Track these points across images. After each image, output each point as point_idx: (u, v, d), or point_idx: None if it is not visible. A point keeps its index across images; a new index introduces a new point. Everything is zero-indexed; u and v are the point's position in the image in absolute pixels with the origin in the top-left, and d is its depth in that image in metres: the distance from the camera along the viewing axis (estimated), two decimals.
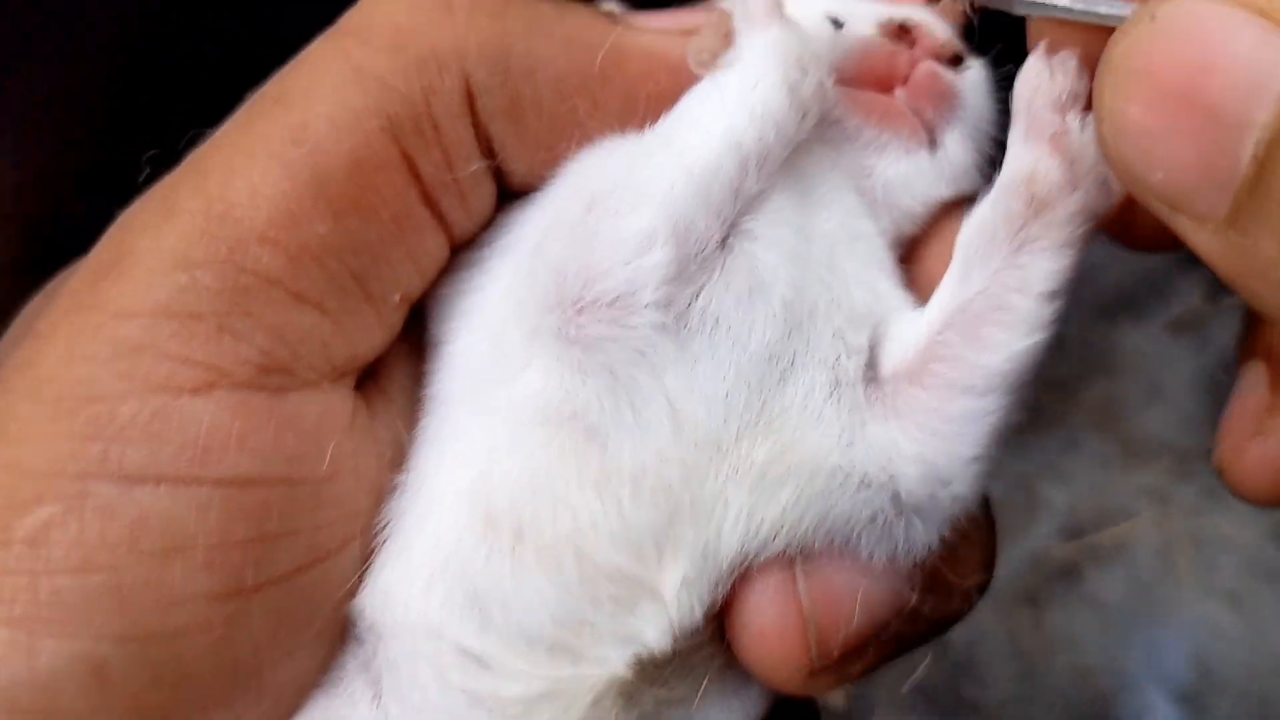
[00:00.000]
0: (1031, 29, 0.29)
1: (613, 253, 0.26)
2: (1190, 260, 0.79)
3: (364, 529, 0.28)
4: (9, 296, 0.35)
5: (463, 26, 0.27)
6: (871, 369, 0.29)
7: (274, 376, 0.26)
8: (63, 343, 0.25)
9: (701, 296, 0.27)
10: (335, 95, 0.26)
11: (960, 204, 0.31)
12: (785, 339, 0.28)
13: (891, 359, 0.29)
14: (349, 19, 0.28)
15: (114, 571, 0.24)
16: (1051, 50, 0.28)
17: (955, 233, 0.30)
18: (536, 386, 0.27)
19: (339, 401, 0.27)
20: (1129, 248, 0.31)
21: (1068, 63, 0.28)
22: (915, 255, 0.32)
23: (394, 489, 0.28)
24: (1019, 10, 0.28)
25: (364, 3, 0.28)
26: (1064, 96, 0.28)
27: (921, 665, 0.38)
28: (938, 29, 0.32)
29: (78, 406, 0.24)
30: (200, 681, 0.25)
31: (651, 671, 0.28)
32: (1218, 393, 0.72)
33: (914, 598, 0.29)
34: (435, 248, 0.29)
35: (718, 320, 0.27)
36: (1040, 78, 0.28)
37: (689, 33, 0.29)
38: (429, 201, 0.28)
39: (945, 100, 0.31)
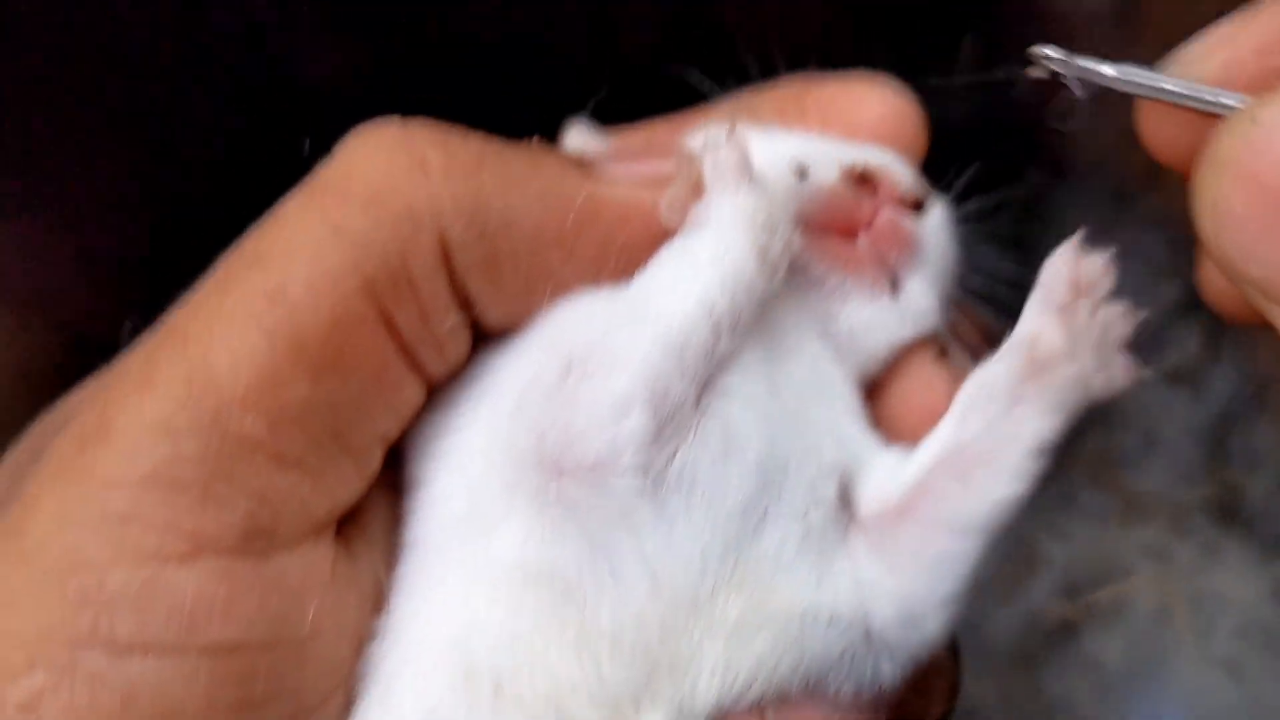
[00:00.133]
0: (1139, 120, 0.31)
1: (591, 419, 0.27)
2: (1187, 309, 0.79)
3: (347, 679, 0.28)
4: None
5: (438, 185, 0.28)
6: (846, 510, 0.30)
7: (257, 541, 0.26)
8: (51, 511, 0.26)
9: (678, 458, 0.28)
10: (312, 256, 0.27)
11: (924, 343, 0.32)
12: (759, 494, 0.28)
13: (874, 497, 0.31)
14: (325, 175, 0.28)
15: None
16: (1087, 239, 0.31)
17: (918, 371, 0.32)
18: (515, 544, 0.28)
19: (320, 557, 0.28)
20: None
21: (1098, 256, 0.31)
22: (880, 394, 0.33)
23: (375, 634, 0.29)
24: (1121, 88, 0.29)
25: (340, 159, 0.28)
26: (1083, 281, 0.30)
27: None
28: (900, 175, 0.33)
29: (67, 575, 0.25)
30: None
31: None
32: (1215, 444, 0.73)
33: None
34: (413, 395, 0.29)
35: (694, 480, 0.28)
36: (1068, 260, 0.30)
37: (660, 182, 0.30)
38: (406, 354, 0.28)
39: (906, 246, 0.33)
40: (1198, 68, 0.28)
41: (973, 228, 0.34)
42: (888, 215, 0.32)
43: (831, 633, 0.29)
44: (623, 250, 0.29)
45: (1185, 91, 0.28)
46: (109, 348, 0.30)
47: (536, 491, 0.27)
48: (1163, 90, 0.28)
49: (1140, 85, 0.29)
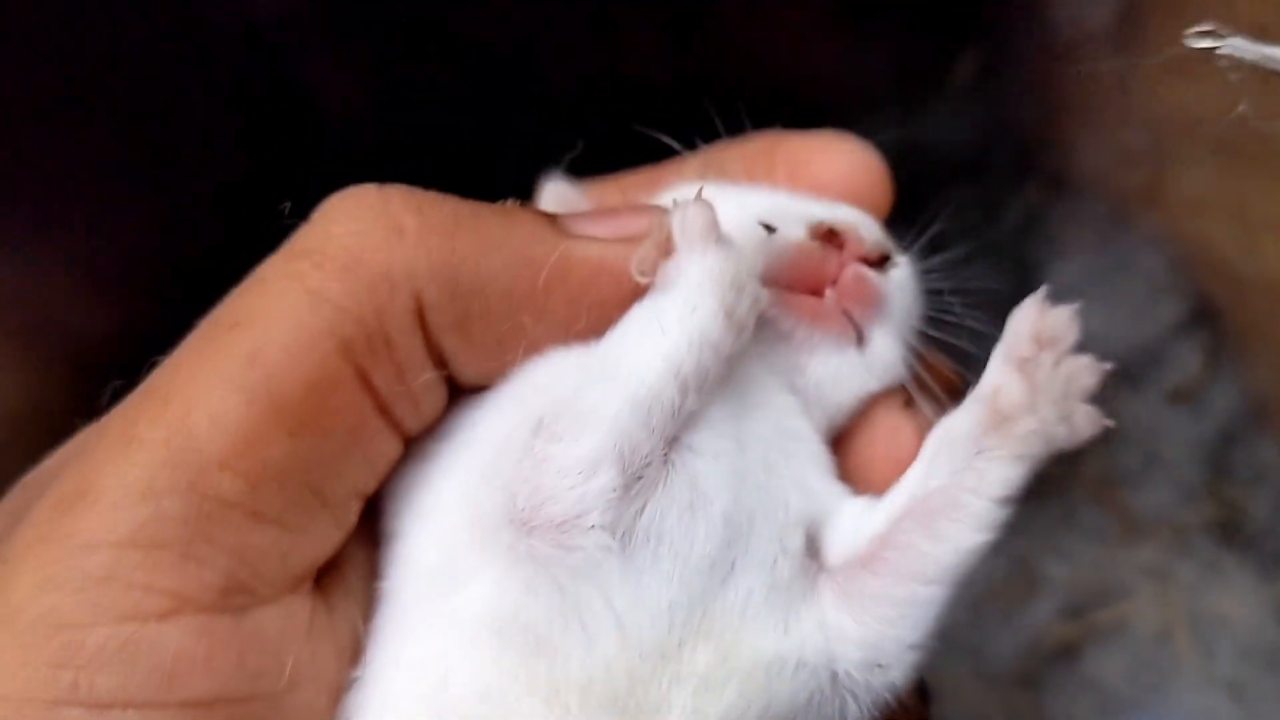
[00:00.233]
0: None
1: (560, 478, 0.28)
2: (1187, 327, 0.79)
3: None
4: None
5: (413, 249, 0.28)
6: (814, 559, 0.31)
7: (236, 597, 0.27)
8: (33, 572, 0.26)
9: (645, 513, 0.28)
10: (290, 319, 0.28)
11: (890, 394, 0.33)
12: (726, 547, 0.29)
13: (841, 547, 0.31)
14: (302, 239, 0.29)
15: None
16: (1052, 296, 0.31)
17: (884, 421, 0.33)
18: (487, 597, 0.28)
19: (298, 609, 0.29)
20: None
21: (1063, 309, 0.31)
22: (847, 443, 0.34)
23: (352, 684, 0.29)
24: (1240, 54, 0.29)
25: (317, 222, 0.29)
26: (1047, 334, 0.31)
27: None
28: (865, 230, 0.34)
29: (49, 635, 0.26)
30: None
31: None
32: (1216, 462, 0.73)
33: None
34: (390, 450, 0.30)
35: (661, 535, 0.28)
36: (1032, 314, 0.31)
37: (631, 240, 0.30)
38: (383, 411, 0.29)
39: (872, 301, 0.33)
40: None
41: (939, 279, 0.35)
42: (853, 271, 0.33)
43: (798, 679, 0.30)
44: (593, 308, 0.30)
45: None
46: (111, 375, 0.30)
47: (507, 548, 0.28)
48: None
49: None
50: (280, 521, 0.28)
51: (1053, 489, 0.73)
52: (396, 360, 0.29)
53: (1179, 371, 0.75)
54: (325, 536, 0.29)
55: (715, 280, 0.29)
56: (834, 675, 0.30)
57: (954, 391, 0.33)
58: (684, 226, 0.29)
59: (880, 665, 0.30)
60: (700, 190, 0.30)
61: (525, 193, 0.38)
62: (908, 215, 0.37)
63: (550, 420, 0.28)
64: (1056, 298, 0.31)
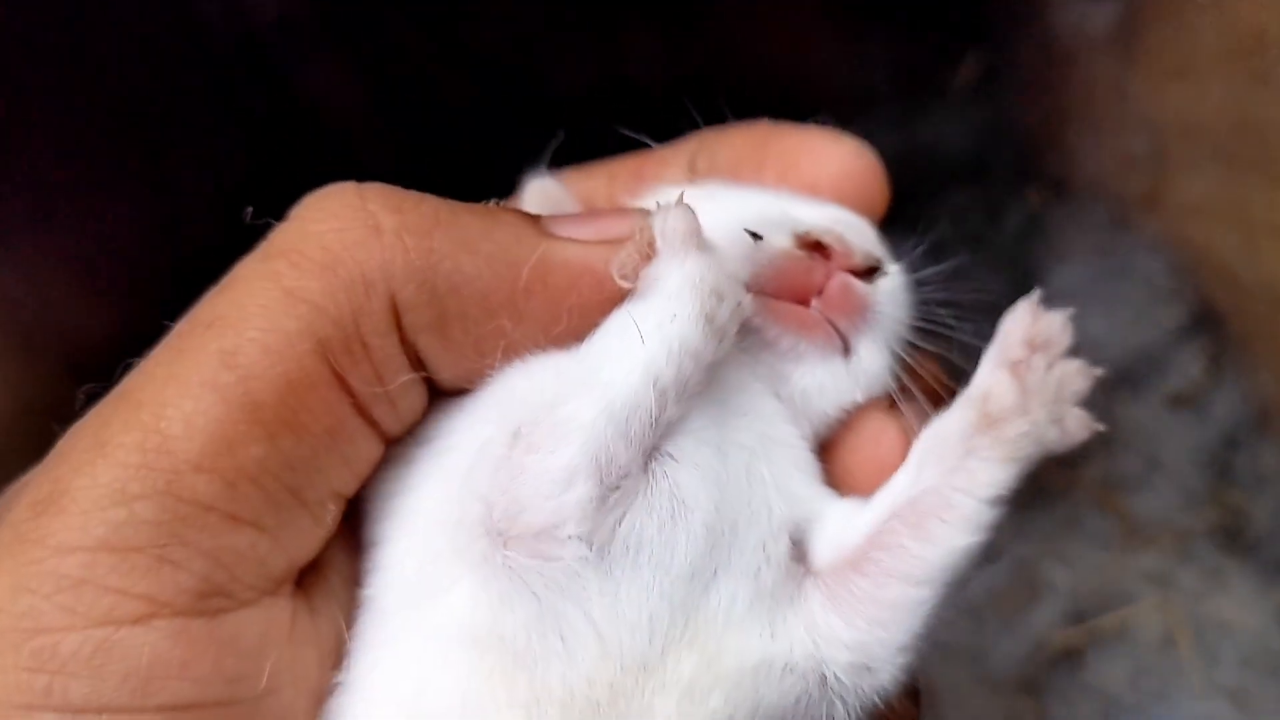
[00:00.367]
0: None
1: (537, 489, 0.27)
2: (1189, 332, 0.78)
3: None
4: None
5: (390, 248, 0.28)
6: (801, 563, 0.30)
7: (213, 600, 0.27)
8: (6, 577, 0.26)
9: (625, 522, 0.28)
10: (266, 319, 0.27)
11: (876, 403, 0.33)
12: (707, 556, 0.29)
13: (828, 549, 0.31)
14: (278, 238, 0.29)
15: None
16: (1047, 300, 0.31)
17: (871, 426, 0.32)
18: (464, 608, 0.28)
19: (279, 613, 0.28)
20: None
21: (1056, 314, 0.31)
22: (834, 449, 0.33)
23: (333, 689, 0.29)
24: None
25: (293, 222, 0.29)
26: (1039, 338, 0.31)
27: None
28: (854, 238, 0.33)
29: (22, 640, 0.25)
30: None
31: None
32: (1218, 468, 0.72)
33: None
34: (369, 451, 0.30)
35: (640, 545, 0.28)
36: (1025, 317, 0.31)
37: (613, 243, 0.30)
38: (361, 411, 0.29)
39: (858, 311, 0.33)
40: None
41: (932, 289, 0.35)
42: (839, 281, 0.33)
43: (786, 683, 0.29)
44: (574, 311, 0.29)
45: None
46: (110, 374, 0.30)
47: (484, 558, 0.28)
48: None
49: None
50: (257, 523, 0.27)
51: (1055, 495, 0.73)
52: (373, 361, 0.28)
53: (1180, 376, 0.74)
54: (305, 539, 0.29)
55: (695, 286, 0.28)
56: (822, 679, 0.30)
57: (941, 400, 0.33)
58: (665, 231, 0.29)
59: (869, 668, 0.30)
60: (681, 194, 0.30)
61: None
62: (908, 218, 0.36)
63: (527, 430, 0.28)
64: (1056, 302, 0.31)
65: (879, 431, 0.33)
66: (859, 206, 0.35)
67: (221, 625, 0.27)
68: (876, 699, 0.30)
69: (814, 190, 0.35)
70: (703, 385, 0.29)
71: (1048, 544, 0.71)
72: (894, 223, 0.37)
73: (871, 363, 0.33)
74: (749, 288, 0.30)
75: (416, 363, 0.29)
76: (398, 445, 0.30)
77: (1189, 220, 0.73)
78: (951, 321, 0.34)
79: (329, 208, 0.29)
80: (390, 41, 0.66)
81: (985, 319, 0.34)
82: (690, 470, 0.29)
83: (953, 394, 0.31)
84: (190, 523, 0.26)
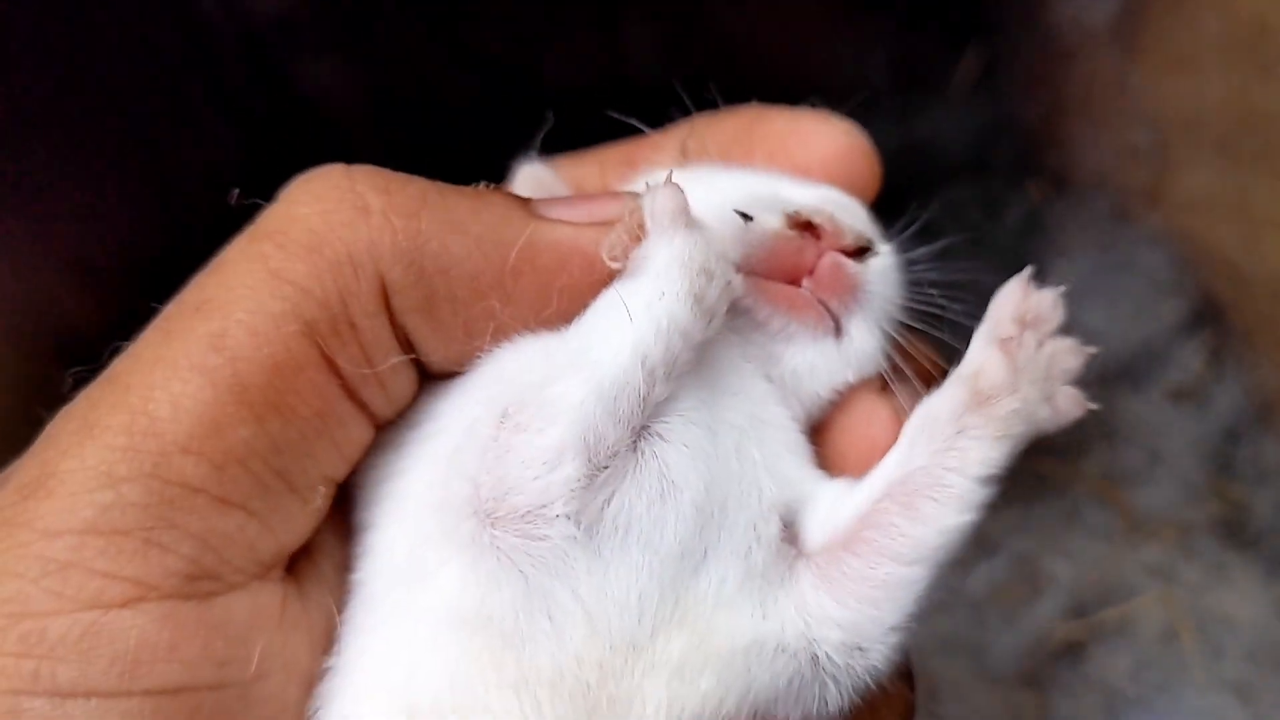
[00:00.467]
0: None
1: (524, 469, 0.27)
2: (1191, 327, 0.78)
3: (296, 719, 0.29)
4: None
5: (377, 229, 0.28)
6: (792, 543, 0.30)
7: (201, 583, 0.27)
8: None
9: (614, 502, 0.28)
10: (253, 301, 0.27)
11: (868, 384, 0.33)
12: (697, 535, 0.29)
13: (820, 529, 0.31)
14: (266, 220, 0.29)
15: None
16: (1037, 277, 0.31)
17: (861, 406, 0.32)
18: (453, 590, 0.28)
19: (268, 597, 0.28)
20: None
21: (1047, 291, 0.31)
22: (825, 429, 0.33)
23: (324, 673, 0.29)
24: None
25: (280, 204, 0.29)
26: (1030, 315, 0.31)
27: None
28: (845, 218, 0.33)
29: (9, 624, 0.25)
30: None
31: None
32: (1220, 461, 0.72)
33: None
34: (359, 434, 0.29)
35: (629, 525, 0.28)
36: (1016, 294, 0.31)
37: (602, 225, 0.30)
38: (350, 394, 0.29)
39: (849, 291, 0.33)
40: None
41: (924, 269, 0.34)
42: (830, 260, 0.33)
43: (778, 663, 0.29)
44: (563, 292, 0.29)
45: None
46: (99, 355, 0.30)
47: (471, 539, 0.28)
48: None
49: None
50: (246, 506, 0.27)
51: (1056, 488, 0.73)
52: (362, 342, 0.28)
53: (1182, 370, 0.74)
54: (294, 522, 0.29)
55: (684, 265, 0.28)
56: (814, 658, 0.29)
57: (933, 380, 0.32)
58: (654, 210, 0.29)
59: (860, 648, 0.30)
60: (670, 174, 0.30)
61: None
62: (909, 213, 0.36)
63: (515, 410, 0.28)
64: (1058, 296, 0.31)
65: (870, 412, 0.33)
66: (850, 187, 0.35)
67: (210, 608, 0.27)
68: (869, 679, 0.30)
69: (805, 172, 0.35)
70: (691, 365, 0.29)
71: (1049, 538, 0.71)
72: (894, 218, 0.36)
73: (863, 343, 0.33)
74: (739, 268, 0.30)
75: (406, 345, 0.29)
76: (388, 430, 0.30)
77: (1190, 214, 0.73)
78: (943, 301, 0.34)
79: (316, 189, 0.29)
80: (389, 39, 0.67)
81: (981, 306, 0.34)
82: (679, 450, 0.29)
83: (944, 374, 0.31)
84: (178, 505, 0.26)
